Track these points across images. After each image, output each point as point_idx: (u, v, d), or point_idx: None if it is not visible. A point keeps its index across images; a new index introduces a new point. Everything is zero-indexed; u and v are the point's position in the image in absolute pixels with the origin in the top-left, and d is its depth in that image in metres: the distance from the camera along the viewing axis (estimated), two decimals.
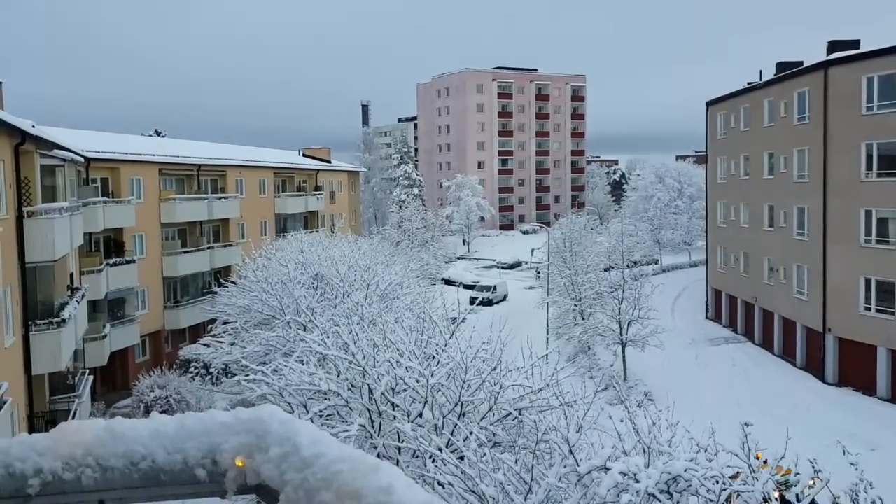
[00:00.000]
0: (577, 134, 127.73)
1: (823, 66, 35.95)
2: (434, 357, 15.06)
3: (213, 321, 31.81)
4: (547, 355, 16.63)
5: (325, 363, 15.64)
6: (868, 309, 34.12)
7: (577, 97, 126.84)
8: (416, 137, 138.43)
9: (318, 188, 58.59)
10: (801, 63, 41.54)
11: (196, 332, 39.25)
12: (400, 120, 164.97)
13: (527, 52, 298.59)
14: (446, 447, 12.20)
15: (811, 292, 37.80)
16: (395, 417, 13.81)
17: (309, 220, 56.38)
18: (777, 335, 42.36)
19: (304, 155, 64.37)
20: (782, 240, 41.14)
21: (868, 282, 34.05)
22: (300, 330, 21.26)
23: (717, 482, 9.99)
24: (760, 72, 47.56)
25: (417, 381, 14.13)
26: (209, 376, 32.20)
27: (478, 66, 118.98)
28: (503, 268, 79.90)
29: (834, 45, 38.21)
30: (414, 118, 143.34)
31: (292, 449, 1.90)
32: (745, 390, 35.09)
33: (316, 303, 25.06)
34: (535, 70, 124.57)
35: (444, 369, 14.34)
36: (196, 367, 33.55)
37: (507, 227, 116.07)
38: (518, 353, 15.63)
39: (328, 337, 16.37)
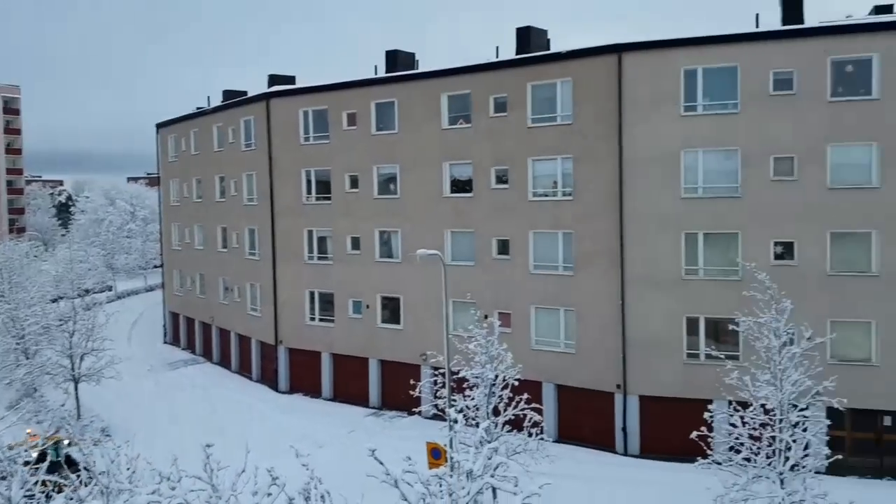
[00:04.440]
0: (13, 151, 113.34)
1: (266, 97, 38.78)
2: None
3: None
4: None
5: None
6: (313, 319, 37.88)
7: (11, 110, 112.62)
8: None
9: None
10: (246, 93, 44.11)
11: None
12: None
13: None
14: None
15: (264, 308, 40.30)
16: None
17: None
18: (234, 352, 44.03)
19: None
20: (236, 260, 42.99)
21: (312, 294, 37.81)
22: None
23: None
24: (208, 98, 49.10)
25: None
26: None
27: None
28: None
29: (273, 79, 41.51)
30: None
31: None
32: (207, 410, 35.52)
33: None
34: None
35: None
36: None
37: None
38: None
39: None
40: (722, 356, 21.91)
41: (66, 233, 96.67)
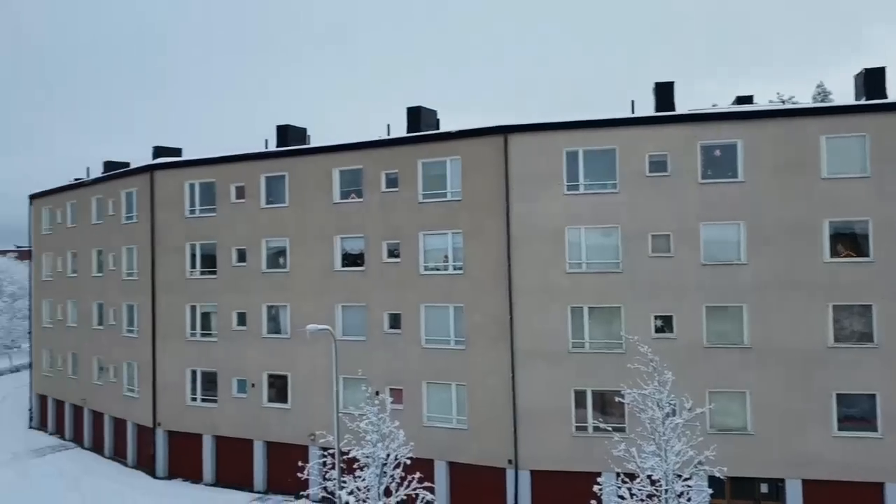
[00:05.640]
0: None
1: (150, 169, 37.68)
2: None
3: None
4: None
5: None
6: (195, 399, 36.10)
7: None
8: None
9: None
10: (128, 164, 42.73)
11: None
12: None
13: None
14: None
15: (141, 388, 38.14)
16: None
17: None
18: (108, 436, 41.24)
19: None
20: (112, 338, 40.72)
21: (194, 373, 36.14)
22: None
23: None
24: (88, 168, 47.23)
25: None
26: None
27: None
28: None
29: (158, 151, 40.51)
30: None
31: None
32: (76, 501, 32.87)
33: None
34: None
35: None
36: None
37: None
38: None
39: None
40: (609, 428, 22.34)
41: None
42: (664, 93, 30.61)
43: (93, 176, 44.65)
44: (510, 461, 28.33)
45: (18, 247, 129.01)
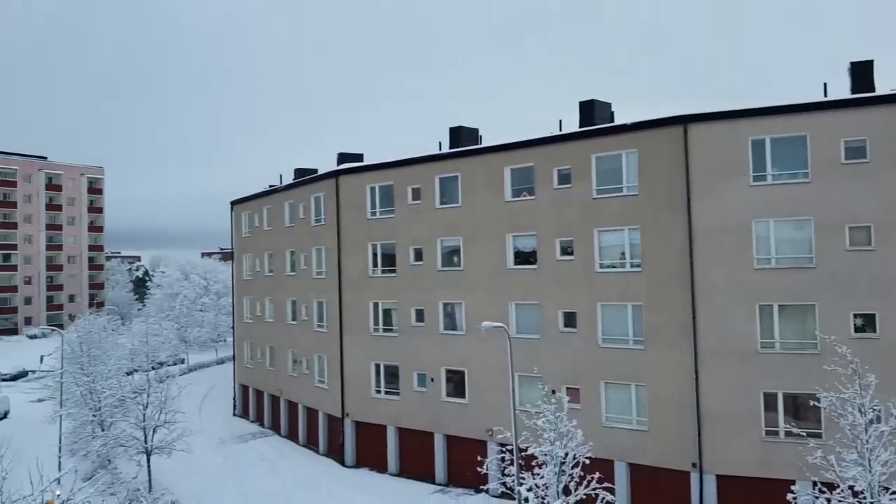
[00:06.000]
0: (95, 228, 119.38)
1: (335, 174, 39.95)
2: None
3: None
4: (59, 479, 14.53)
5: None
6: (379, 391, 37.87)
7: (95, 189, 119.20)
8: None
9: None
10: (316, 170, 45.58)
11: None
12: None
13: (34, 140, 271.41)
14: None
15: (331, 380, 40.55)
16: None
17: None
18: (301, 425, 44.20)
19: None
20: (305, 332, 43.62)
21: (378, 366, 37.92)
22: None
23: None
24: (281, 176, 50.88)
25: None
26: None
27: None
28: (4, 379, 68.94)
29: (342, 157, 42.86)
30: None
31: None
32: (274, 485, 35.56)
33: None
34: (45, 158, 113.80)
35: None
36: None
37: (9, 331, 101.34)
38: (26, 480, 13.38)
39: None
40: (803, 433, 20.87)
41: (142, 307, 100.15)
42: (862, 72, 28.10)
43: (285, 182, 48.08)
44: (694, 464, 27.25)
45: (222, 249, 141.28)
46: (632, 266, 29.35)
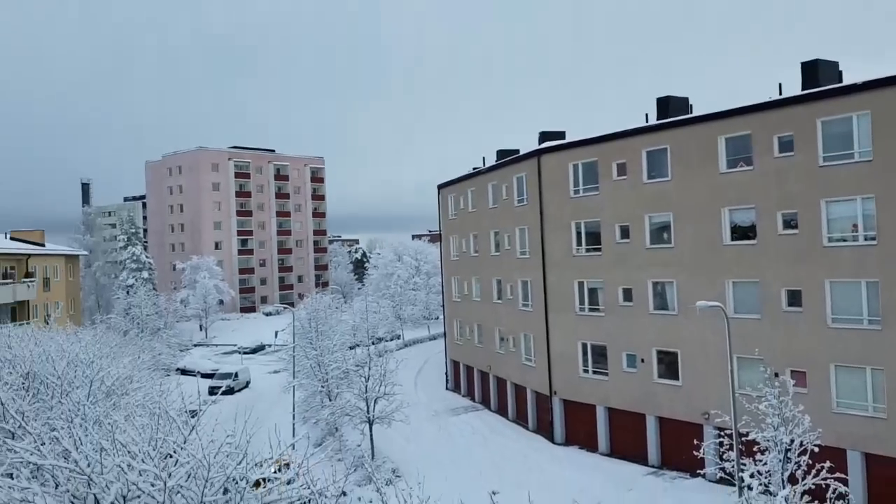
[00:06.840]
0: (318, 214, 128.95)
1: (537, 154, 40.03)
2: (171, 456, 13.80)
3: None
4: (294, 444, 15.98)
5: (41, 474, 13.65)
6: (586, 371, 37.65)
7: (317, 178, 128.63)
8: (144, 218, 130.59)
9: (28, 274, 52.57)
10: (517, 151, 45.93)
11: None
12: (126, 199, 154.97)
13: (260, 134, 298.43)
14: None
15: (537, 359, 40.92)
16: None
17: (18, 311, 50.15)
18: (510, 401, 45.07)
19: (13, 238, 57.74)
20: (510, 311, 44.33)
21: (584, 346, 37.68)
22: (7, 438, 18.43)
23: None
24: (483, 158, 51.79)
25: (153, 485, 12.81)
26: None
27: (212, 145, 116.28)
28: (245, 352, 76.92)
29: (544, 136, 42.78)
30: (142, 197, 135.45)
31: None
32: (485, 457, 36.65)
33: (27, 405, 21.96)
34: (273, 151, 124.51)
35: (183, 469, 13.18)
36: None
37: (248, 309, 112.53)
38: (266, 443, 14.88)
39: (44, 444, 14.35)
40: None
41: (361, 286, 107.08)
42: None
43: (488, 164, 48.93)
44: None
45: (430, 231, 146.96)
46: (865, 239, 26.66)
